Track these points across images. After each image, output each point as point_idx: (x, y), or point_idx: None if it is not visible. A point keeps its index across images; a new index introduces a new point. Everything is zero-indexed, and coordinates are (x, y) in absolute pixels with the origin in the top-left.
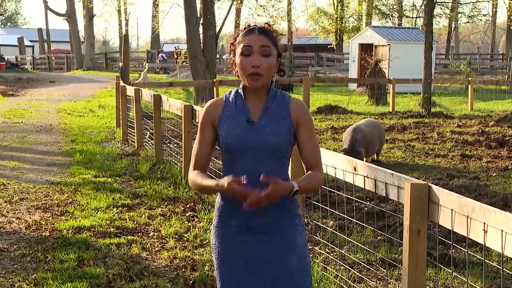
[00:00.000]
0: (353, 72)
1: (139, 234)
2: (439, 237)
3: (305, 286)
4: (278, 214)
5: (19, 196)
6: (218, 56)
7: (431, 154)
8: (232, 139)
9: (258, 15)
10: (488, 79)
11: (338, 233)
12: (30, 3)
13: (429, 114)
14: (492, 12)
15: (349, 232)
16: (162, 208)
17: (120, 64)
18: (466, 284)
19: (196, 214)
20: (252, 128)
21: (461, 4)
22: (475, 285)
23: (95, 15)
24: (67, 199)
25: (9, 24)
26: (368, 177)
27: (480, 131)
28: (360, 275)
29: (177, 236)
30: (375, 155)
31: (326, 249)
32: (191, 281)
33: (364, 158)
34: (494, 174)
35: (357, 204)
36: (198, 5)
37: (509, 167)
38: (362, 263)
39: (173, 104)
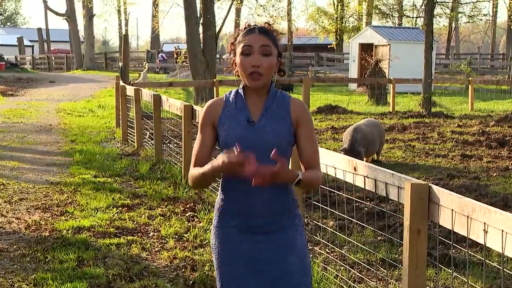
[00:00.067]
0: (353, 72)
1: (139, 234)
2: (439, 237)
3: (305, 286)
4: (278, 214)
5: (19, 196)
6: (218, 56)
7: (431, 154)
8: (232, 139)
9: (258, 15)
10: (488, 79)
11: (338, 233)
12: (29, 3)
13: (430, 114)
14: (492, 12)
15: (349, 232)
16: (162, 208)
17: (120, 64)
18: (466, 284)
19: (196, 214)
20: (252, 128)
21: (461, 4)
22: (475, 285)
23: (95, 15)
24: (67, 199)
25: (8, 24)
26: (368, 177)
27: (480, 131)
28: (360, 275)
29: (177, 236)
30: (375, 155)
31: (326, 249)
32: (191, 281)
33: (364, 158)
34: (495, 174)
35: (357, 204)
36: (198, 5)
37: (510, 167)
38: (362, 263)
39: (173, 104)
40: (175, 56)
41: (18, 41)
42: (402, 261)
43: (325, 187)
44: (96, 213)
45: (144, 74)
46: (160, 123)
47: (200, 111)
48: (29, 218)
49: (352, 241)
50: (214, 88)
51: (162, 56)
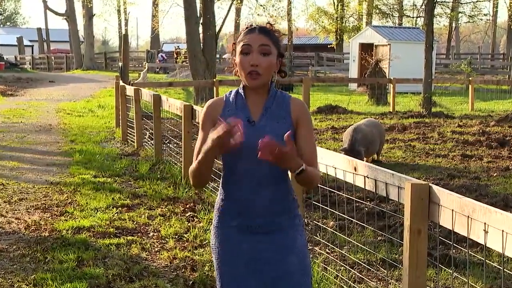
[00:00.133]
0: (354, 72)
1: (139, 234)
2: (439, 237)
3: (305, 287)
4: (278, 214)
5: (19, 196)
6: (218, 56)
7: (431, 154)
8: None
9: (258, 14)
10: (488, 79)
11: (339, 234)
12: (29, 3)
13: (430, 114)
14: (492, 12)
15: (350, 232)
16: (161, 208)
17: (120, 64)
18: (466, 284)
19: (196, 214)
20: (252, 128)
21: (461, 3)
22: (475, 286)
23: (94, 14)
24: (67, 199)
25: (8, 23)
26: (368, 177)
27: (480, 131)
28: (360, 275)
29: (177, 237)
30: (376, 155)
31: (326, 250)
32: (191, 282)
33: (364, 158)
34: (495, 174)
35: (357, 204)
36: (198, 5)
37: (510, 167)
38: (363, 264)
39: (173, 104)
40: (175, 56)
41: (18, 41)
42: (403, 261)
43: (325, 187)
44: (96, 213)
45: (144, 74)
46: (160, 123)
47: (200, 111)
48: (29, 218)
49: (352, 241)
50: (214, 88)
51: (162, 56)
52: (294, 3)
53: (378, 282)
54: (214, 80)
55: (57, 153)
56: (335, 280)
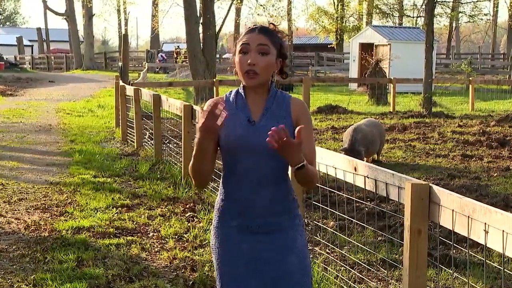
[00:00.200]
0: (354, 72)
1: (139, 234)
2: (440, 237)
3: (306, 287)
4: (278, 214)
5: (18, 196)
6: (218, 55)
7: (431, 154)
8: (232, 139)
9: (258, 14)
10: (489, 79)
11: (339, 234)
12: (29, 3)
13: (430, 114)
14: (493, 12)
15: (350, 232)
16: (161, 208)
17: (120, 63)
18: (467, 284)
19: (195, 214)
20: (252, 128)
21: (462, 3)
22: (476, 286)
23: (94, 14)
24: (66, 199)
25: (8, 23)
26: (368, 177)
27: (481, 131)
28: (360, 275)
29: (176, 237)
30: (376, 155)
31: (327, 250)
32: (191, 282)
33: (365, 158)
34: (495, 174)
35: (357, 204)
36: (198, 5)
37: (510, 167)
38: (363, 264)
39: (173, 104)
40: (175, 56)
41: (18, 40)
42: (403, 262)
43: (325, 187)
44: (95, 213)
45: (144, 74)
46: (160, 123)
47: (200, 111)
48: (29, 218)
49: (353, 241)
50: (214, 88)
51: (161, 56)
52: (294, 3)
53: (378, 282)
54: (214, 80)
55: (56, 153)
56: (335, 280)
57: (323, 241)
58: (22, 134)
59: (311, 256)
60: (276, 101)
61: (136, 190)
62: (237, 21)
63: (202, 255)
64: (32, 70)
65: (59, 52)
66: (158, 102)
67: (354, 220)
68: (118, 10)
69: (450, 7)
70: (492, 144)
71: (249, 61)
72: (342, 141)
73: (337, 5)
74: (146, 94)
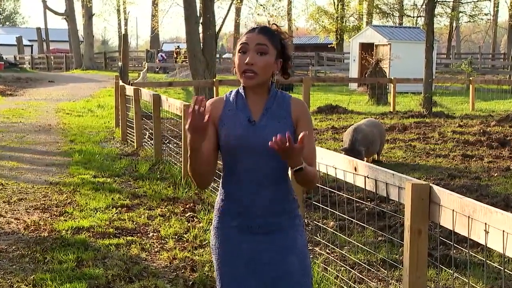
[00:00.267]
0: (354, 72)
1: (139, 234)
2: (440, 237)
3: (306, 287)
4: (278, 215)
5: (18, 196)
6: (218, 55)
7: (432, 154)
8: (232, 139)
9: (258, 14)
10: (489, 79)
11: (339, 234)
12: (28, 2)
13: (430, 114)
14: (493, 11)
15: (350, 232)
16: (161, 208)
17: (120, 63)
18: (467, 285)
19: (195, 214)
20: (253, 128)
21: (462, 3)
22: (476, 286)
23: (94, 14)
24: (66, 200)
25: (7, 23)
26: (368, 177)
27: (481, 131)
28: (360, 275)
29: (176, 237)
30: (376, 155)
31: (327, 250)
32: (191, 282)
33: (365, 158)
34: (496, 174)
35: (357, 204)
36: (198, 4)
37: (511, 167)
38: (363, 264)
39: (173, 103)
40: (175, 55)
41: (17, 40)
42: (403, 262)
43: (325, 187)
44: (95, 213)
45: (144, 73)
46: (160, 123)
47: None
48: (28, 218)
49: (353, 241)
50: (214, 88)
51: (161, 55)
52: (294, 3)
53: (379, 283)
54: (214, 80)
55: (56, 153)
56: (335, 280)
57: (323, 241)
58: (22, 134)
59: (311, 256)
60: (277, 101)
61: (136, 190)
62: (237, 21)
63: (202, 255)
64: (32, 70)
65: (59, 52)
66: (158, 102)
67: (354, 220)
68: (118, 10)
69: (451, 7)
70: (493, 144)
71: (246, 61)
72: (342, 141)
73: (337, 5)
74: (146, 94)
